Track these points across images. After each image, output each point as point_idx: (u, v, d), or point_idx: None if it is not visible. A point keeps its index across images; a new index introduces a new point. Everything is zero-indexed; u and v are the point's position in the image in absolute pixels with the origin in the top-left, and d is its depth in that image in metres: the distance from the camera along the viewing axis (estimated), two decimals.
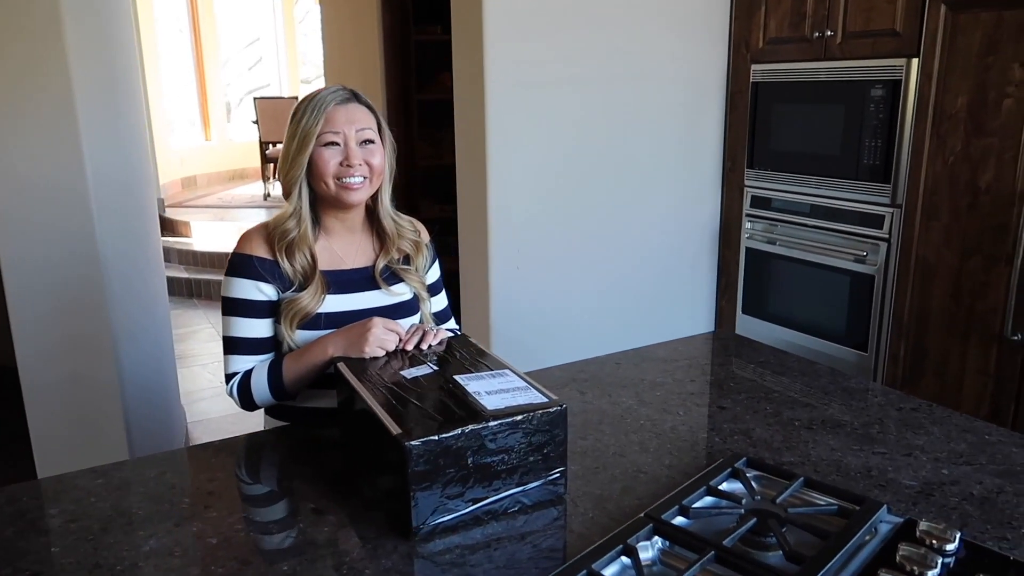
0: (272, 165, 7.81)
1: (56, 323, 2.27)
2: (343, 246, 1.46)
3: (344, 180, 1.36)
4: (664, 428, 1.33)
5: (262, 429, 1.44)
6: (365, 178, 1.38)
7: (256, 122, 7.18)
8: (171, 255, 5.58)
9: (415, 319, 1.50)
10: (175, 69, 8.32)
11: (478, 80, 2.50)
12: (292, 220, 1.39)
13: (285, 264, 1.37)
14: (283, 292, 1.37)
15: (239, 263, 1.37)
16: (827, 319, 2.72)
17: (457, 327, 1.67)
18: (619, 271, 2.84)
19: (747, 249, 2.97)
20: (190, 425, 3.31)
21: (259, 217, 6.85)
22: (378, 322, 1.31)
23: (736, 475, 1.12)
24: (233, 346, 1.37)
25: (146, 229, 2.85)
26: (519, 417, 1.05)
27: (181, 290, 5.34)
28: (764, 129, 2.82)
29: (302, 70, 9.58)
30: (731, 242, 3.04)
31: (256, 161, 7.66)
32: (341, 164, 1.36)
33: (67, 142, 2.15)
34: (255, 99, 7.31)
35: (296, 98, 7.28)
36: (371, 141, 1.40)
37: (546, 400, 1.10)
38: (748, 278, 3.00)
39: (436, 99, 3.86)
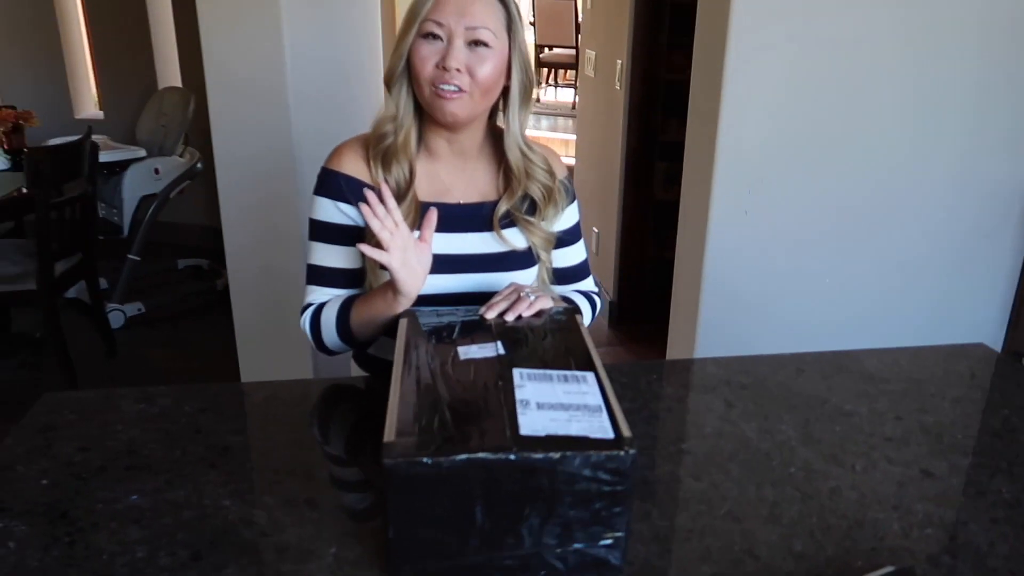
0: (545, 70, 7.69)
1: (255, 215, 2.32)
2: (451, 174, 1.19)
3: (438, 87, 1.08)
4: (822, 488, 0.93)
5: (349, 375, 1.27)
6: (462, 90, 1.08)
7: (533, 23, 7.02)
8: None
9: (529, 274, 1.21)
10: None
11: None
12: (390, 124, 1.15)
13: (379, 177, 1.14)
14: None
15: (322, 179, 1.17)
16: None
17: (595, 288, 1.35)
18: (879, 235, 2.22)
19: None
20: None
21: None
22: None
23: None
24: (313, 275, 1.19)
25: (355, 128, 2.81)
26: (556, 455, 0.74)
27: None
28: None
29: None
30: None
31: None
32: (437, 66, 1.07)
33: (270, 36, 2.11)
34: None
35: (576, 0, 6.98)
36: (484, 44, 1.08)
37: (611, 437, 0.77)
38: None
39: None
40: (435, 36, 1.08)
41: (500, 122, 1.21)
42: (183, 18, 4.11)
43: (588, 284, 1.34)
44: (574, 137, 4.74)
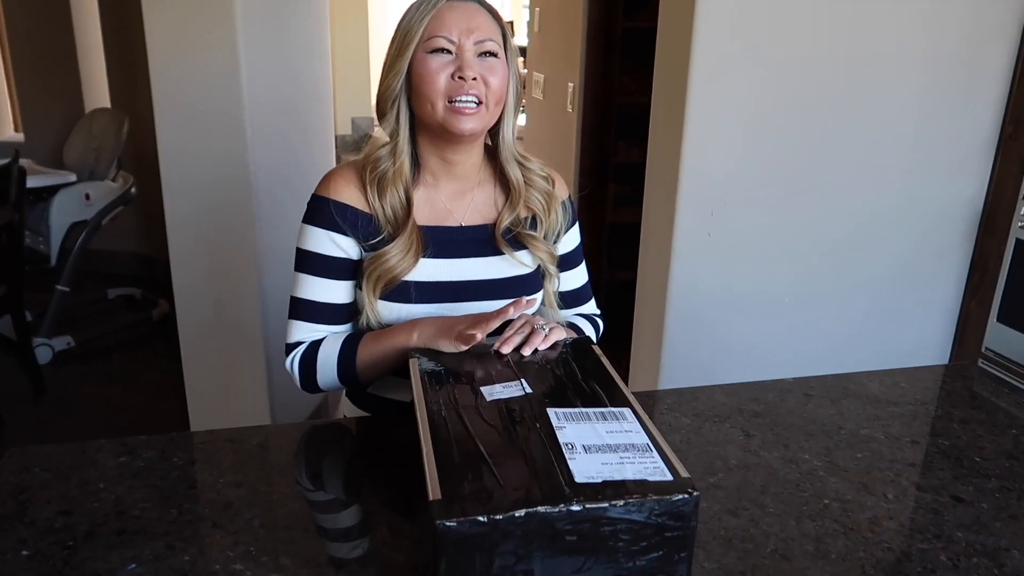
0: None
1: (207, 246, 2.21)
2: (451, 197, 1.14)
3: (455, 101, 1.02)
4: (860, 519, 0.91)
5: (340, 416, 1.20)
6: (480, 102, 1.03)
7: None
8: None
9: (535, 300, 1.16)
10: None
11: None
12: (386, 148, 1.09)
13: (376, 205, 1.08)
14: (367, 247, 1.09)
15: (314, 208, 1.10)
16: None
17: (597, 312, 1.31)
18: (837, 257, 2.26)
19: (1018, 241, 2.28)
20: None
21: None
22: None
23: None
24: (298, 309, 1.11)
25: (312, 159, 2.73)
26: (620, 503, 0.69)
27: None
28: None
29: None
30: (996, 229, 2.35)
31: None
32: (453, 77, 1.02)
33: (227, 67, 2.03)
34: None
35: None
36: (492, 54, 1.05)
37: (670, 479, 0.73)
38: (1013, 278, 2.32)
39: (647, 27, 3.38)
40: (444, 51, 1.03)
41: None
42: (113, 39, 3.93)
43: (591, 307, 1.30)
44: None
